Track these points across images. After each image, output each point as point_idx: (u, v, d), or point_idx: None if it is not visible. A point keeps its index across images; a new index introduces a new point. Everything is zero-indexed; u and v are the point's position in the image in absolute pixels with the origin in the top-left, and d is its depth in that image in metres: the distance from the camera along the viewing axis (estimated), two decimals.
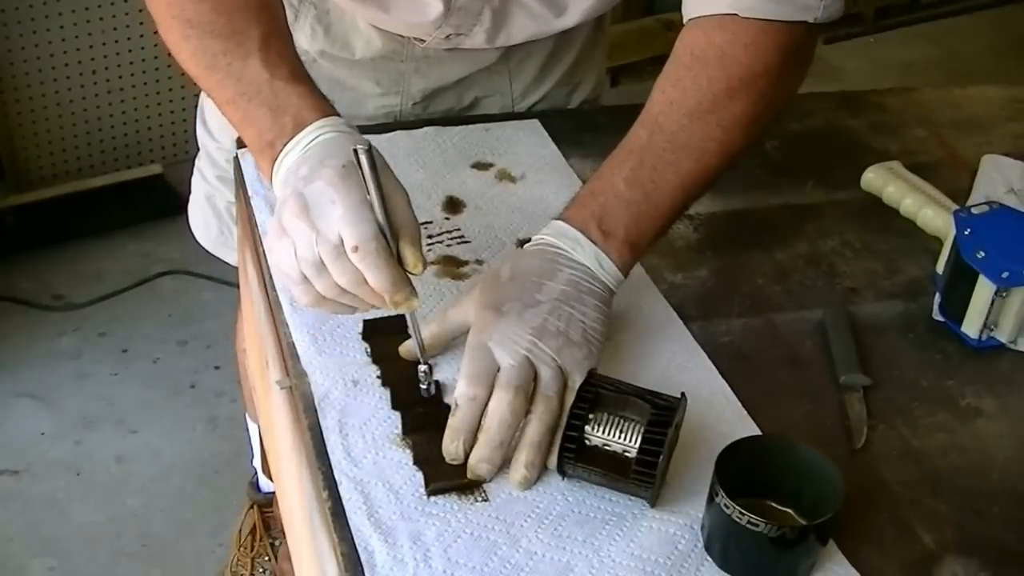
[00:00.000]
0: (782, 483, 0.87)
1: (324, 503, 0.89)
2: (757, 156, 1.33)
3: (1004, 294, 1.05)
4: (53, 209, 2.60)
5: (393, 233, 0.89)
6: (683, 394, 0.89)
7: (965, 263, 1.07)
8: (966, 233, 1.08)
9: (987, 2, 4.00)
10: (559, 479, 0.90)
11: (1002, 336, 1.08)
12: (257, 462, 1.80)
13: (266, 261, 1.09)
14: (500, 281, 0.98)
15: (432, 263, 1.12)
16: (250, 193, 1.20)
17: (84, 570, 1.95)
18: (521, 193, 1.23)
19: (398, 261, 0.90)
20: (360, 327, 1.03)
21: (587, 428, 0.88)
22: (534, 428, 0.90)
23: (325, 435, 0.93)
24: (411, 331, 0.96)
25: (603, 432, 0.88)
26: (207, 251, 1.55)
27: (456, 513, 0.87)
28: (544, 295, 0.96)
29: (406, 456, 0.92)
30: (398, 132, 1.29)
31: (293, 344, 1.02)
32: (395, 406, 0.96)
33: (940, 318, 1.11)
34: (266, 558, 1.84)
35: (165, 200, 2.65)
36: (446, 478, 0.89)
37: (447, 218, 1.18)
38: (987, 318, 1.07)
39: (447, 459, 0.90)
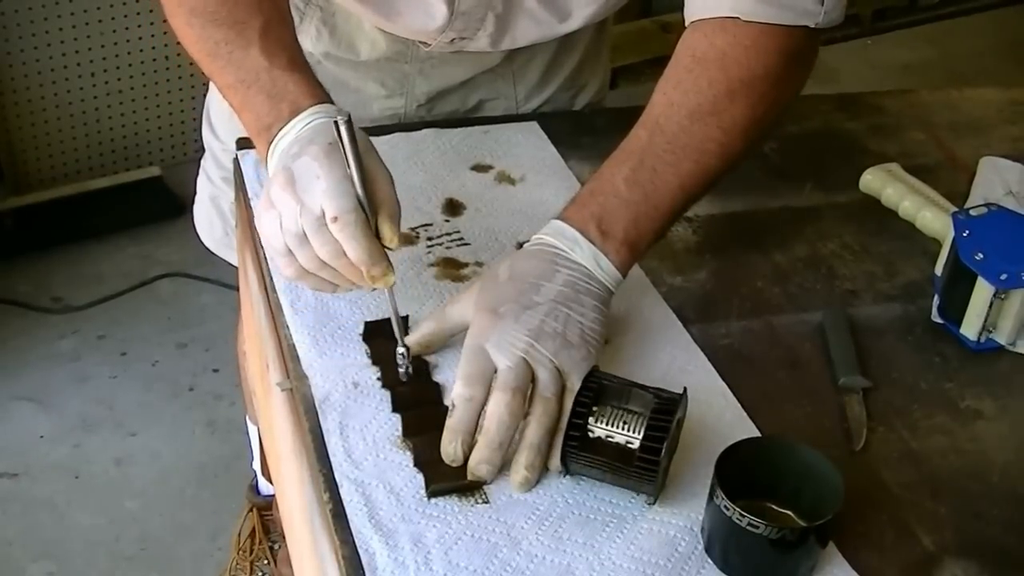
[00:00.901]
0: (782, 485, 0.87)
1: (325, 505, 0.89)
2: (756, 158, 1.33)
3: (1003, 296, 1.06)
4: (52, 211, 2.60)
5: (373, 209, 0.92)
6: (685, 389, 0.90)
7: (964, 265, 1.07)
8: (965, 235, 1.08)
9: (985, 4, 4.00)
10: (560, 481, 0.90)
11: (1001, 338, 1.08)
12: (257, 464, 1.80)
13: (266, 263, 1.09)
14: (498, 282, 0.98)
15: (432, 265, 1.12)
16: (250, 195, 1.20)
17: (83, 573, 1.94)
18: (521, 195, 1.23)
19: (377, 236, 0.93)
20: (361, 328, 1.03)
21: (590, 420, 0.88)
22: (533, 430, 0.90)
23: (326, 437, 0.93)
24: (389, 310, 0.97)
25: (607, 424, 0.88)
26: (207, 253, 1.55)
27: (457, 515, 0.87)
28: (541, 296, 0.96)
29: (407, 458, 0.92)
30: (398, 134, 1.29)
31: (294, 346, 1.02)
32: (396, 408, 0.96)
33: (939, 320, 1.11)
34: (265, 561, 1.84)
35: (164, 202, 2.66)
36: (447, 480, 0.89)
37: (447, 220, 1.19)
38: (986, 320, 1.07)
39: (446, 460, 0.90)
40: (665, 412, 0.87)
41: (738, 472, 0.84)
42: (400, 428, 0.94)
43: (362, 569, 0.83)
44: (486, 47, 1.25)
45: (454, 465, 0.90)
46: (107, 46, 2.61)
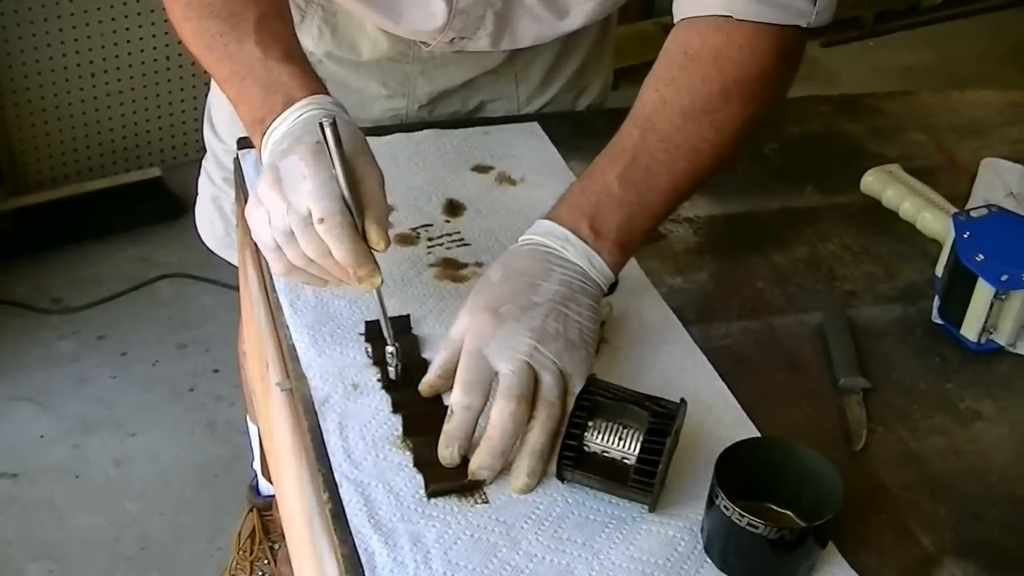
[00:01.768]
0: (781, 485, 0.87)
1: (324, 505, 0.89)
2: (756, 160, 1.33)
3: (1003, 297, 1.06)
4: (52, 212, 2.60)
5: (360, 211, 0.92)
6: (683, 399, 0.89)
7: (964, 266, 1.07)
8: (965, 237, 1.08)
9: (986, 7, 4.00)
10: (559, 481, 0.90)
11: (1001, 339, 1.08)
12: (257, 465, 1.80)
13: (266, 263, 1.09)
14: (492, 282, 0.97)
15: (432, 266, 1.12)
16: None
17: (82, 574, 1.94)
18: (521, 196, 1.23)
19: (364, 238, 0.92)
20: (361, 328, 1.03)
21: (586, 435, 0.88)
22: (536, 435, 0.90)
23: (325, 437, 0.93)
24: (377, 310, 0.97)
25: (602, 439, 0.88)
26: (207, 254, 1.55)
27: (456, 515, 0.87)
28: (540, 296, 0.95)
29: (406, 458, 0.92)
30: (398, 135, 1.29)
31: (293, 346, 1.02)
32: (396, 408, 0.96)
33: (939, 321, 1.11)
34: (265, 561, 1.84)
35: (164, 203, 2.66)
36: (446, 480, 0.89)
37: (447, 221, 1.18)
38: (986, 321, 1.07)
39: (443, 464, 0.90)
40: (660, 432, 0.86)
41: (738, 473, 0.84)
42: (400, 428, 0.94)
43: (361, 569, 0.82)
44: (486, 47, 1.25)
45: (451, 467, 0.90)
46: (107, 46, 2.62)
